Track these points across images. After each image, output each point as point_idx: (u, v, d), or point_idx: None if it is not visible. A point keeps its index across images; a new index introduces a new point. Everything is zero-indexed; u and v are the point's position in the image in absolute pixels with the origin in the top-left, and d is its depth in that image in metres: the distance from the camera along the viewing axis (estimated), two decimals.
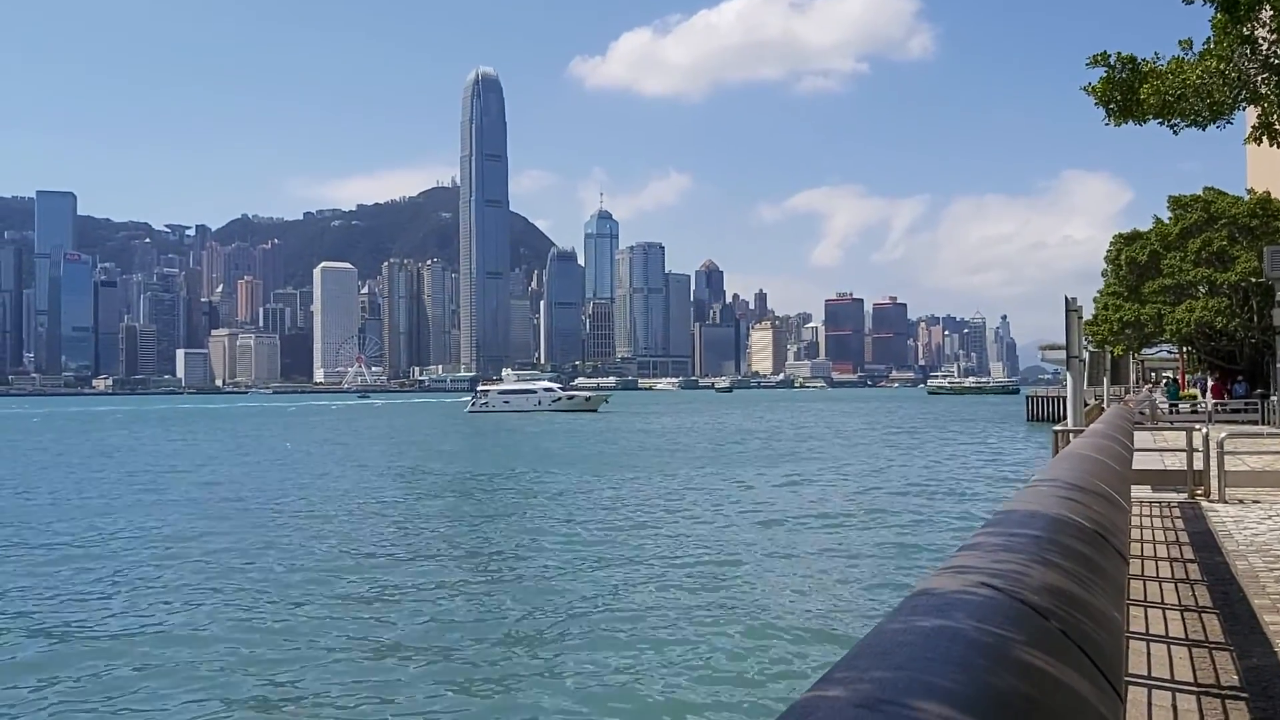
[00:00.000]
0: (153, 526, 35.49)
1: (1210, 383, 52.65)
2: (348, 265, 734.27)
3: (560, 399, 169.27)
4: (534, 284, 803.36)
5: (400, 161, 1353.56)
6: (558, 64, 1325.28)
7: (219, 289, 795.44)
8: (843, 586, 23.73)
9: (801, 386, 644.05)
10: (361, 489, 47.08)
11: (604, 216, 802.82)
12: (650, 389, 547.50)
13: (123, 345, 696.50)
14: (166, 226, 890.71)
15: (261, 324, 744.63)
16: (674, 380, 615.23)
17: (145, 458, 72.49)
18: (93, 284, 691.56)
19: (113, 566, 27.65)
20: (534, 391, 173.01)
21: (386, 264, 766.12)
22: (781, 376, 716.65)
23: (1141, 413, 38.23)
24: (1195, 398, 52.04)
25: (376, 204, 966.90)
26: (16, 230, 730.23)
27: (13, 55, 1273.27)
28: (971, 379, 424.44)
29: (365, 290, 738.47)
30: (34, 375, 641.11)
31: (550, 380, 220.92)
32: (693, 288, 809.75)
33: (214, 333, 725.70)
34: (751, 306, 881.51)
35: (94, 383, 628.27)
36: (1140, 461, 16.42)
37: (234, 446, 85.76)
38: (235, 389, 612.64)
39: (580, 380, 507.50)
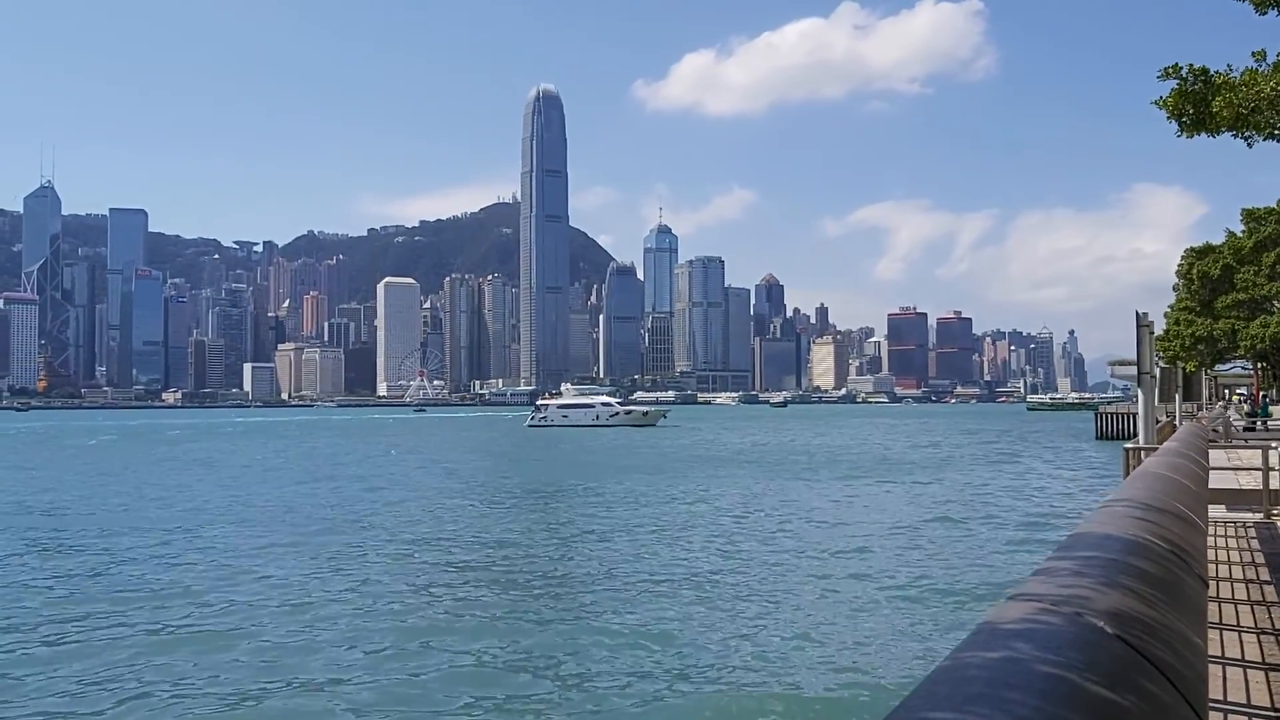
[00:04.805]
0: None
1: None
2: (410, 280, 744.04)
3: (618, 414, 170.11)
4: (593, 298, 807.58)
5: (463, 178, 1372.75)
6: (619, 86, 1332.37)
7: (285, 304, 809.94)
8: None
9: (864, 402, 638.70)
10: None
11: (663, 231, 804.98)
12: (709, 403, 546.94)
13: (191, 359, 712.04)
14: (235, 243, 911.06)
15: (326, 338, 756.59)
16: (734, 395, 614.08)
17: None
18: (163, 299, 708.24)
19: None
20: (592, 406, 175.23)
21: (448, 279, 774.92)
22: (844, 391, 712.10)
23: (1215, 430, 37.40)
24: (1270, 415, 50.82)
25: (439, 220, 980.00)
26: (90, 247, 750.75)
27: (87, 77, 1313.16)
28: (1075, 394, 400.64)
29: (427, 305, 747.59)
30: (105, 388, 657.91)
31: (609, 394, 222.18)
32: (752, 302, 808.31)
33: (280, 347, 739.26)
34: (813, 321, 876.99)
35: (164, 396, 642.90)
36: (1214, 480, 16.05)
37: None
38: (300, 402, 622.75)
39: (639, 394, 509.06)
